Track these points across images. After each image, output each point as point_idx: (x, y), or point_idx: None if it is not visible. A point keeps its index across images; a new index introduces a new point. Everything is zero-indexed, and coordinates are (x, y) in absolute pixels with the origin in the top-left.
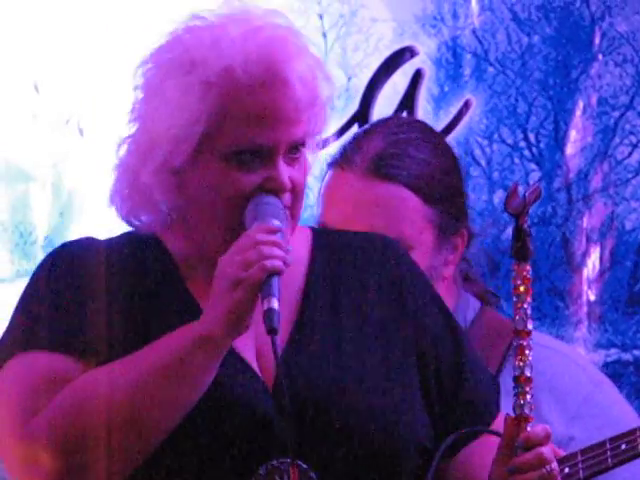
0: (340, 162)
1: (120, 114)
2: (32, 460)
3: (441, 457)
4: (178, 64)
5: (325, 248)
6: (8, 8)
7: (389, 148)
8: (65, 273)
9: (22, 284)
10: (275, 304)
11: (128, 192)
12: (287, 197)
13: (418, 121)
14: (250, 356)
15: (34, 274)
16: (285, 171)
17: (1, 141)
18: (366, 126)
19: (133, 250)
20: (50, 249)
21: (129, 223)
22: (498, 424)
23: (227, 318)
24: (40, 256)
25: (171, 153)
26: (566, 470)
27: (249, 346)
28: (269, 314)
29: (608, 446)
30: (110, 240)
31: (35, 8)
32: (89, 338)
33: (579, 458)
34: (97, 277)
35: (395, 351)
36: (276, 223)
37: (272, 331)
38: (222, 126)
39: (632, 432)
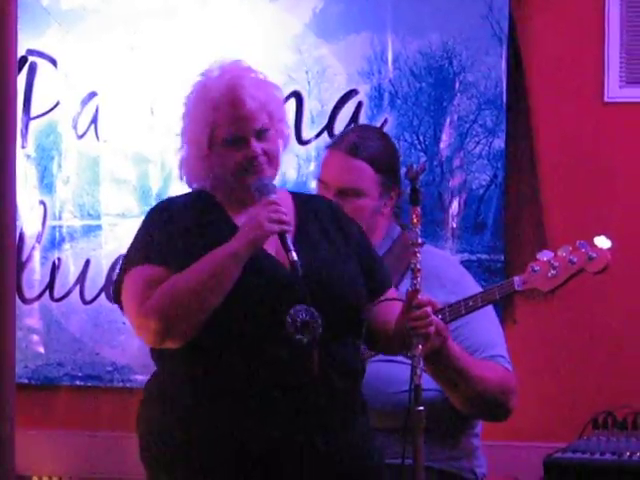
0: (332, 146)
1: None
2: (144, 326)
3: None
4: (197, 99)
5: (299, 200)
6: (133, 52)
7: (358, 140)
8: (157, 218)
9: None
10: (295, 256)
11: (188, 172)
12: (263, 159)
13: (376, 128)
14: (271, 249)
15: (143, 220)
16: (257, 146)
17: (133, 142)
18: (350, 128)
19: (196, 200)
20: (159, 199)
21: (190, 186)
22: (392, 292)
23: (249, 244)
24: (153, 203)
25: (198, 146)
26: (439, 316)
27: (270, 244)
28: (293, 264)
29: (462, 303)
30: (181, 196)
31: (150, 52)
32: (173, 255)
33: (446, 309)
34: (176, 218)
35: (347, 254)
36: (274, 197)
37: (295, 270)
38: (217, 129)
39: (475, 296)
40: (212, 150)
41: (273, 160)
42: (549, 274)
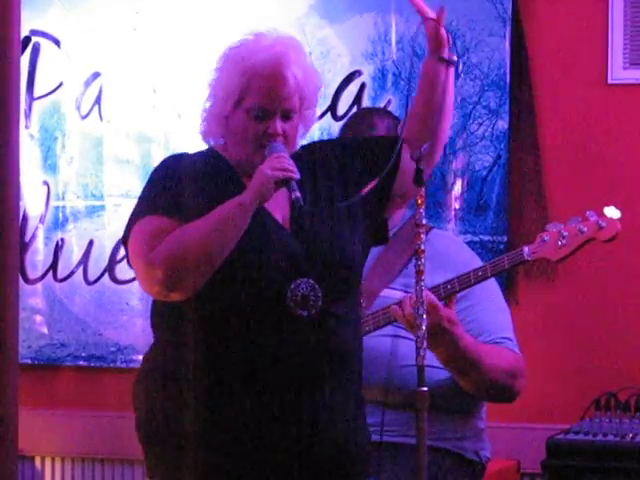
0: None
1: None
2: (150, 275)
3: None
4: (232, 61)
5: (297, 153)
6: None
7: (394, 122)
8: (167, 171)
9: None
10: (298, 194)
11: (206, 126)
12: (280, 139)
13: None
14: (277, 216)
15: (153, 171)
16: (279, 125)
17: (136, 121)
18: (367, 110)
19: (208, 160)
20: None
21: (205, 140)
22: None
23: (255, 193)
24: None
25: (223, 106)
26: (448, 286)
27: (276, 211)
28: (297, 199)
29: (472, 273)
30: (193, 154)
31: (154, 33)
32: (182, 208)
33: (455, 279)
34: (187, 173)
35: (349, 213)
36: (282, 154)
37: (300, 206)
38: (246, 96)
39: (484, 266)
40: (233, 112)
41: (289, 142)
42: (559, 243)
